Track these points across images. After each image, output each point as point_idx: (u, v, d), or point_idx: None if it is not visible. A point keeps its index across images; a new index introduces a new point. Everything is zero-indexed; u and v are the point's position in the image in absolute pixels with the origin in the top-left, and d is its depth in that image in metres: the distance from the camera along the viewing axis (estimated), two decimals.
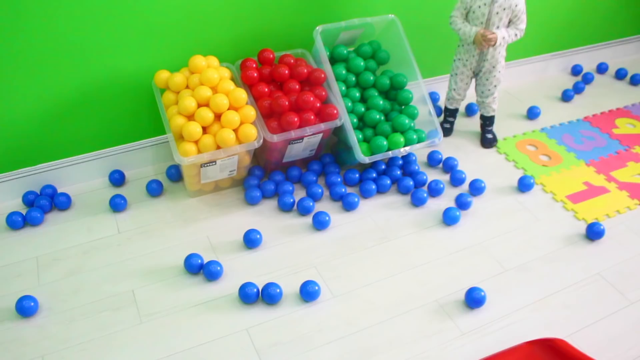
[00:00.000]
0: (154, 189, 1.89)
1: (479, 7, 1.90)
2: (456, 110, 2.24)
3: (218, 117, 1.73)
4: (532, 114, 2.38)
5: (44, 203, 1.82)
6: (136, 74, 1.82)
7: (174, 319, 1.51)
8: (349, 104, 1.92)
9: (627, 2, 2.74)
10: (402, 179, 1.94)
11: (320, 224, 1.77)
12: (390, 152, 1.88)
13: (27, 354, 1.40)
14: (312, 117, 1.81)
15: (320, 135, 1.88)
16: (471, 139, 2.26)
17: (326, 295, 1.58)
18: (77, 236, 1.76)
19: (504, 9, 1.89)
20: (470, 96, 2.43)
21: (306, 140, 1.86)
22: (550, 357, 1.37)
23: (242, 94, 1.73)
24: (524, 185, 1.95)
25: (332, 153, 2.07)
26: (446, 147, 2.17)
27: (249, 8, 1.87)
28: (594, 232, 1.77)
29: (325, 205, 1.90)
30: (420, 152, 2.13)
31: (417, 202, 1.89)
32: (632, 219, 1.88)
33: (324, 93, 1.87)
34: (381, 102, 1.96)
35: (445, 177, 2.03)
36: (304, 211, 1.83)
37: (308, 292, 1.55)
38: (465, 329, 1.50)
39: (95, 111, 1.84)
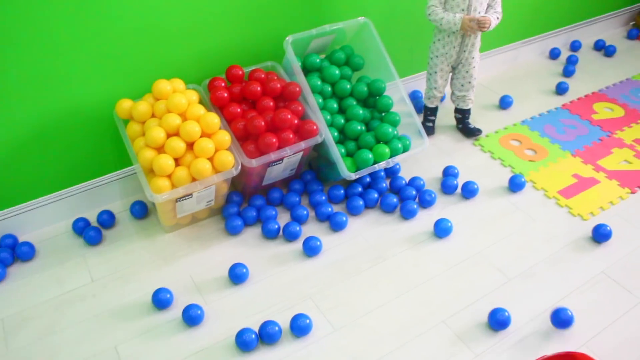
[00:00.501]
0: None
1: None
2: (437, 108, 2.16)
3: (190, 146, 1.59)
4: (505, 103, 2.33)
5: (5, 256, 1.64)
6: (95, 104, 1.66)
7: None
8: (328, 117, 1.81)
9: None
10: (387, 195, 1.83)
11: (311, 250, 1.66)
12: (377, 165, 1.77)
13: None
14: (291, 135, 1.69)
15: (301, 153, 1.76)
16: (450, 136, 2.18)
17: (327, 329, 1.48)
18: (46, 290, 1.59)
19: None
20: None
21: (286, 160, 1.74)
22: None
23: (214, 119, 1.60)
24: (515, 184, 1.89)
25: (313, 169, 1.96)
26: (429, 150, 2.08)
27: (211, 23, 1.73)
28: (600, 235, 1.70)
29: (312, 228, 1.78)
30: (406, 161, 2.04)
31: (407, 215, 1.80)
32: (626, 210, 1.84)
33: (300, 108, 1.75)
34: (361, 111, 1.86)
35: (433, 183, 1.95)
36: (291, 237, 1.72)
37: (300, 328, 1.44)
38: (478, 350, 1.42)
39: (53, 148, 1.67)
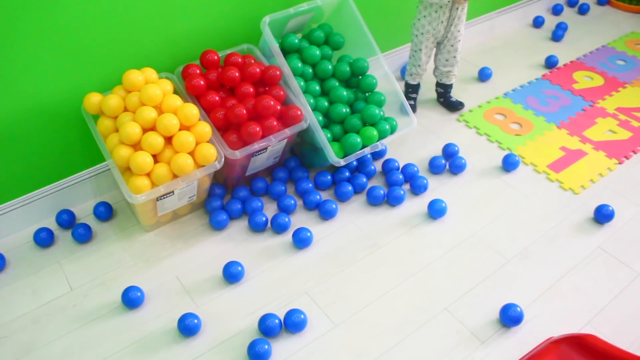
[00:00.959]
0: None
1: None
2: (419, 85, 2.09)
3: (169, 140, 1.48)
4: (484, 75, 2.28)
5: None
6: (58, 100, 1.52)
7: None
8: (311, 101, 1.71)
9: None
10: (373, 188, 1.73)
11: (302, 242, 1.59)
12: (366, 149, 1.70)
13: None
14: (275, 123, 1.59)
15: (285, 141, 1.67)
16: (433, 113, 2.12)
17: (327, 325, 1.42)
18: (22, 303, 1.48)
19: None
20: None
21: (270, 149, 1.65)
22: (583, 355, 1.28)
23: (192, 110, 1.49)
24: (509, 164, 1.84)
25: (297, 156, 1.87)
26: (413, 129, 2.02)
27: (181, 5, 1.59)
28: (602, 215, 1.66)
29: (300, 218, 1.71)
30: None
31: (394, 202, 1.73)
32: (616, 181, 1.83)
33: (282, 93, 1.65)
34: (345, 93, 1.77)
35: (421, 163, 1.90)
36: (280, 229, 1.64)
37: (294, 324, 1.38)
38: (483, 337, 1.38)
39: (15, 150, 1.54)
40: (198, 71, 1.63)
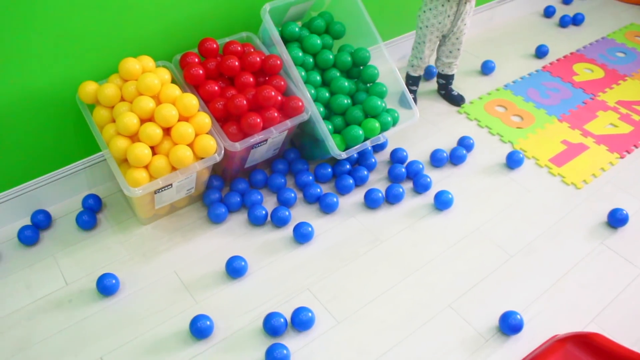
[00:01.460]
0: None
1: None
2: (420, 77, 2.05)
3: (167, 131, 1.44)
4: (487, 68, 2.24)
5: None
6: (53, 88, 1.46)
7: None
8: (312, 91, 1.67)
9: None
10: (371, 190, 1.67)
11: (303, 237, 1.56)
12: (367, 141, 1.66)
13: None
14: (276, 114, 1.55)
15: (286, 132, 1.63)
16: (433, 104, 2.09)
17: (329, 322, 1.39)
18: (16, 298, 1.43)
19: None
20: None
21: (270, 140, 1.61)
22: (588, 354, 1.27)
23: (192, 100, 1.44)
24: (513, 161, 1.81)
25: (297, 147, 1.83)
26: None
27: None
28: (617, 220, 1.62)
29: (300, 211, 1.67)
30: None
31: (394, 201, 1.70)
32: (617, 176, 1.81)
33: (283, 83, 1.61)
34: (346, 83, 1.73)
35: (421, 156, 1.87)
36: (280, 223, 1.60)
37: (302, 322, 1.35)
38: (488, 335, 1.37)
39: (7, 139, 1.48)
40: (196, 60, 1.58)
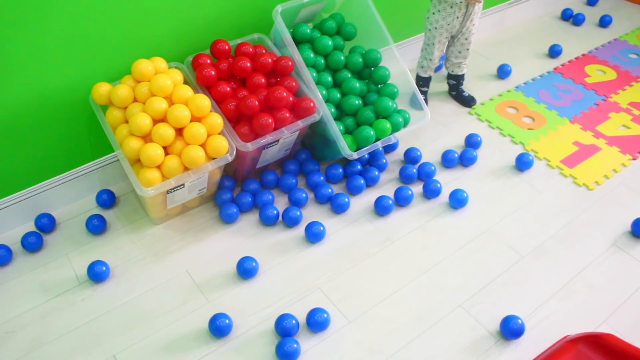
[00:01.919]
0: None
1: None
2: (430, 78, 2.06)
3: (179, 132, 1.45)
4: (503, 72, 2.23)
5: None
6: (66, 90, 1.48)
7: None
8: (323, 92, 1.68)
9: None
10: (381, 198, 1.65)
11: (315, 236, 1.56)
12: (379, 142, 1.67)
13: None
14: (287, 114, 1.56)
15: (297, 132, 1.64)
16: (444, 106, 2.09)
17: (341, 322, 1.39)
18: (30, 297, 1.45)
19: None
20: None
21: (282, 141, 1.62)
22: (600, 355, 1.26)
23: (204, 101, 1.45)
24: (523, 163, 1.80)
25: (308, 148, 1.84)
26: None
27: None
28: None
29: (312, 211, 1.68)
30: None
31: (403, 202, 1.69)
32: (630, 177, 1.80)
33: (294, 84, 1.62)
34: (358, 84, 1.73)
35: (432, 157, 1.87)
36: (291, 223, 1.61)
37: (317, 323, 1.35)
38: (499, 335, 1.36)
39: (21, 141, 1.50)
40: (208, 61, 1.59)
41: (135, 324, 1.39)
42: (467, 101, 2.08)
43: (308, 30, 1.73)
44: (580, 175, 1.79)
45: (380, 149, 1.80)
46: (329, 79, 1.73)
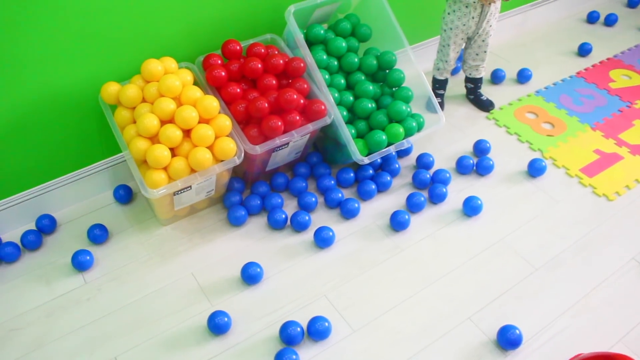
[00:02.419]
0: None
1: None
2: (446, 80, 2.01)
3: (187, 133, 1.44)
4: (523, 77, 2.17)
5: None
6: (77, 89, 1.48)
7: None
8: (336, 95, 1.65)
9: None
10: (397, 212, 1.60)
11: (323, 241, 1.54)
12: (391, 147, 1.63)
13: None
14: (298, 117, 1.53)
15: (308, 136, 1.61)
16: (461, 110, 2.04)
17: (345, 330, 1.37)
18: (36, 295, 1.45)
19: None
20: None
21: (292, 144, 1.60)
22: None
23: (212, 102, 1.43)
24: (535, 169, 1.75)
25: (319, 151, 1.81)
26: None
27: None
28: None
29: (321, 216, 1.65)
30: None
31: (414, 209, 1.65)
32: None
33: (306, 86, 1.59)
34: (371, 87, 1.70)
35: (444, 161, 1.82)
36: (300, 227, 1.58)
37: (318, 331, 1.33)
38: (508, 350, 1.32)
39: (31, 139, 1.50)
40: (219, 61, 1.57)
41: (138, 326, 1.38)
42: (485, 105, 2.03)
43: (322, 31, 1.70)
44: (600, 185, 1.73)
45: (394, 153, 1.76)
46: (342, 81, 1.70)
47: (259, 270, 1.45)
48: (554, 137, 1.91)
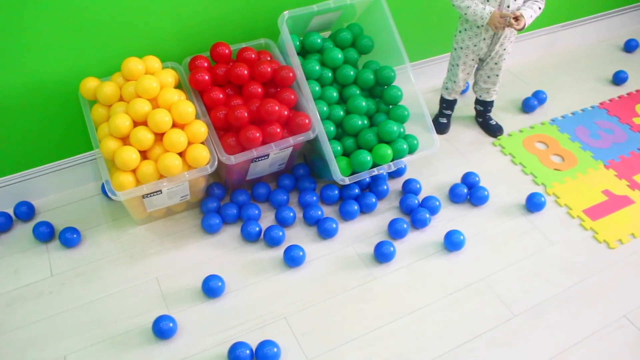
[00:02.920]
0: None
1: None
2: (455, 101, 1.91)
3: (160, 137, 1.40)
4: (537, 99, 2.03)
5: None
6: (60, 80, 1.46)
7: None
8: (325, 109, 1.58)
9: None
10: (382, 243, 1.50)
11: (292, 260, 1.47)
12: (375, 169, 1.55)
13: None
14: (278, 129, 1.47)
15: (290, 148, 1.55)
16: (467, 133, 1.94)
17: (298, 358, 1.30)
18: (2, 282, 1.45)
19: None
20: None
21: (272, 156, 1.54)
22: None
23: (188, 108, 1.39)
24: (533, 204, 1.64)
25: (307, 163, 1.75)
26: (442, 148, 1.84)
27: None
28: None
29: (297, 233, 1.59)
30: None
31: (395, 236, 1.57)
32: None
33: (293, 97, 1.53)
34: (364, 103, 1.62)
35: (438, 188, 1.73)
36: (272, 242, 1.53)
37: (266, 356, 1.27)
38: None
39: (12, 126, 1.49)
40: (206, 64, 1.53)
41: (92, 327, 1.35)
42: (494, 130, 1.92)
43: (319, 40, 1.63)
44: (603, 230, 1.60)
45: (385, 174, 1.68)
46: (335, 94, 1.63)
47: (220, 284, 1.40)
48: (561, 172, 1.78)
